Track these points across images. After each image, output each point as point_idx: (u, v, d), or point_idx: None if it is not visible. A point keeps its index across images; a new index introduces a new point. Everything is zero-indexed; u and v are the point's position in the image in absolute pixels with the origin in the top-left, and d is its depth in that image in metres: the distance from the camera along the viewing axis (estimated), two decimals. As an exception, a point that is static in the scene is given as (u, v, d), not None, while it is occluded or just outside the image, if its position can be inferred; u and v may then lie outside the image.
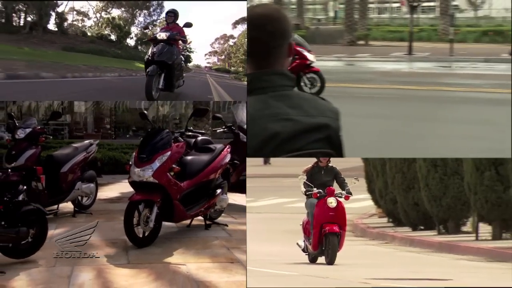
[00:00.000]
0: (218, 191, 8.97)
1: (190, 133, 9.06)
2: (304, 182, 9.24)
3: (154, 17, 13.03)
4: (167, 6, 12.16)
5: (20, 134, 8.87)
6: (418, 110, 13.55)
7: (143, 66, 10.44)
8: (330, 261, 8.99)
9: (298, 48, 13.89)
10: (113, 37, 13.53)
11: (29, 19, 13.04)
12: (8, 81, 11.08)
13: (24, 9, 13.00)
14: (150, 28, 11.26)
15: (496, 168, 10.34)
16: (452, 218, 11.36)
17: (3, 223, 7.00)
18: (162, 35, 10.06)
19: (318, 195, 9.07)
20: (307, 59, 14.07)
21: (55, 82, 11.63)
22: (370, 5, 43.83)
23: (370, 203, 13.67)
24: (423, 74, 20.58)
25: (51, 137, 10.30)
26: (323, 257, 9.15)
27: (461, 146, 10.59)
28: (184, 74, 11.30)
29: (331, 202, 9.02)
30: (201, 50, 13.60)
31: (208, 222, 9.06)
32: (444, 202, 11.22)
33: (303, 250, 9.49)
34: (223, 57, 13.55)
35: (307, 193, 9.22)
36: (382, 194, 12.81)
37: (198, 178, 8.63)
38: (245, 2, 12.07)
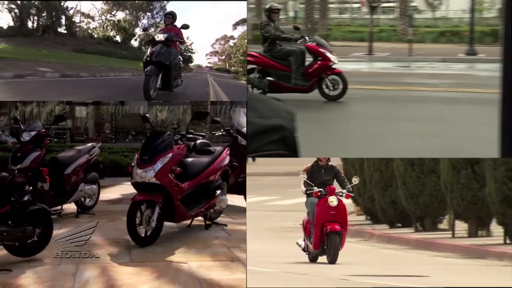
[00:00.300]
0: (218, 192, 8.92)
1: (190, 136, 9.00)
2: (305, 181, 8.93)
3: (157, 19, 13.02)
4: (169, 7, 12.17)
5: (26, 137, 8.80)
6: (379, 110, 13.48)
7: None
8: (332, 260, 8.71)
9: (321, 50, 13.53)
10: (118, 38, 13.52)
11: (40, 22, 13.09)
12: (59, 80, 11.45)
13: (36, 13, 13.05)
14: (154, 29, 11.18)
15: (472, 167, 10.33)
16: (429, 215, 11.31)
17: (10, 222, 6.95)
18: (160, 37, 10.09)
19: (318, 194, 8.81)
20: (330, 61, 13.57)
21: (92, 80, 11.93)
22: (331, 5, 43.14)
23: (349, 201, 13.48)
24: (383, 74, 20.51)
25: (56, 139, 10.22)
26: (323, 257, 8.93)
27: (421, 145, 10.54)
28: (183, 74, 11.28)
29: (332, 201, 8.77)
30: (202, 50, 13.52)
31: (208, 222, 9.01)
32: (421, 200, 11.16)
33: (304, 250, 9.19)
34: (223, 57, 13.47)
35: (307, 192, 8.92)
36: (360, 192, 12.59)
37: (199, 179, 8.58)
38: (245, 2, 11.99)
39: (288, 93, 13.38)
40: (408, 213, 11.46)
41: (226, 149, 9.37)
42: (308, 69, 13.55)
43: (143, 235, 7.90)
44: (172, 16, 10.79)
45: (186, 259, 7.50)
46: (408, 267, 8.73)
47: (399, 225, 11.88)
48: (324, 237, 8.74)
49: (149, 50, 10.26)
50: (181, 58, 11.03)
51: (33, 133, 8.85)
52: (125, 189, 11.86)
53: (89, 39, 13.29)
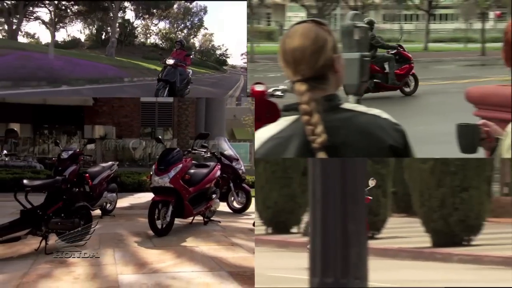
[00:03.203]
0: (214, 196, 8.85)
1: (195, 152, 8.93)
2: None
3: (194, 29, 12.94)
4: (206, 19, 12.09)
5: (64, 155, 8.61)
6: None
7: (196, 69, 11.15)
8: None
9: (409, 54, 13.23)
10: (163, 45, 13.34)
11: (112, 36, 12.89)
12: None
13: (109, 29, 12.86)
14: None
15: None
16: None
17: (62, 215, 6.70)
18: (170, 61, 10.38)
19: None
20: (413, 63, 13.18)
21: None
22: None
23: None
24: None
25: (88, 157, 10.00)
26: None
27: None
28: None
29: None
30: (237, 50, 13.16)
31: (205, 220, 8.88)
32: None
33: None
34: (258, 56, 13.25)
35: None
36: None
37: (200, 185, 8.51)
38: (245, 2, 11.94)
39: (387, 91, 12.96)
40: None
41: (218, 164, 9.32)
42: (400, 71, 13.06)
43: (160, 227, 7.77)
44: (181, 43, 11.14)
45: (196, 244, 7.37)
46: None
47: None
48: None
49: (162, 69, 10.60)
50: (191, 72, 11.27)
51: (70, 152, 8.69)
52: (131, 200, 11.63)
53: (143, 46, 13.11)
